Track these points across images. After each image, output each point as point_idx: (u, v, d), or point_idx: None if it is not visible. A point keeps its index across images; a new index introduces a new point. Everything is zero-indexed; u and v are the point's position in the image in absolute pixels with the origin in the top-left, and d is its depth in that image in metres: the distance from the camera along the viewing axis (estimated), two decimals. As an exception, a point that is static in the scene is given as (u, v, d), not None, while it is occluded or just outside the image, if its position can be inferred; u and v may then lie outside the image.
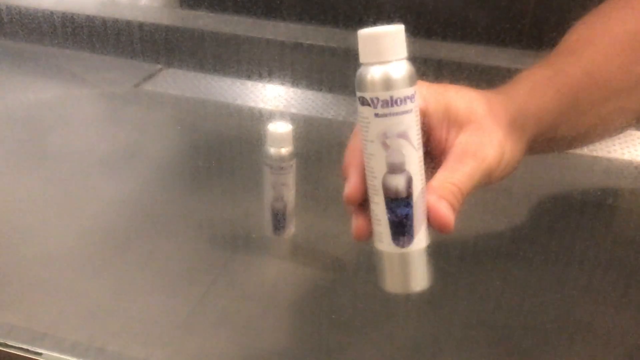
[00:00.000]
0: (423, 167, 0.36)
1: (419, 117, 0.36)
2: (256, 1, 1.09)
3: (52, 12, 1.11)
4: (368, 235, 0.39)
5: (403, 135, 0.35)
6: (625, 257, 0.69)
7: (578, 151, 0.88)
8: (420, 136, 0.36)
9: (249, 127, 0.94)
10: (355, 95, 0.37)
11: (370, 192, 0.37)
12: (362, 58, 0.36)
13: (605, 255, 0.69)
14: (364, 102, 0.36)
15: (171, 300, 0.61)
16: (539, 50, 0.96)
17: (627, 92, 0.49)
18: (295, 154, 0.62)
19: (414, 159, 0.36)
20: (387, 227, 0.36)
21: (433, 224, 0.38)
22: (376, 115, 0.35)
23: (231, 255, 0.67)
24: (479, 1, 0.98)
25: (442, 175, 0.39)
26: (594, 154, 0.87)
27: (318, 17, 1.04)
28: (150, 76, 1.07)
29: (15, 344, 0.55)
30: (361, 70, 0.36)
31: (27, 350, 0.55)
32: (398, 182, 0.36)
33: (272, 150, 0.61)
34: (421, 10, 0.99)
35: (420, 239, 0.37)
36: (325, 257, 0.67)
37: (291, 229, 0.66)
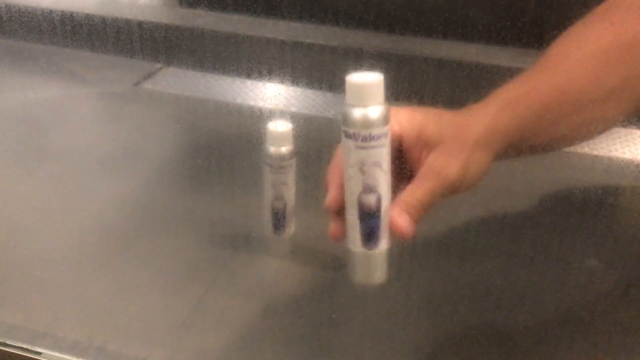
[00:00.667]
0: (390, 187, 0.45)
1: (389, 148, 0.44)
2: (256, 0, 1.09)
3: (51, 11, 1.11)
4: (342, 237, 0.47)
5: (377, 164, 0.44)
6: (625, 256, 0.69)
7: (579, 150, 0.88)
8: (389, 163, 0.44)
9: (248, 125, 0.93)
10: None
11: (347, 204, 0.45)
12: (348, 99, 0.44)
13: (606, 254, 0.69)
14: (347, 135, 0.44)
15: (171, 299, 0.61)
16: (539, 49, 0.95)
17: (598, 103, 0.52)
18: (295, 153, 0.62)
19: (384, 182, 0.44)
20: (359, 233, 0.45)
21: (394, 232, 0.46)
22: (357, 147, 0.43)
23: (231, 254, 0.67)
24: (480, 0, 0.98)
25: (410, 189, 0.46)
26: (595, 152, 0.87)
27: (318, 16, 1.04)
28: (149, 75, 1.07)
29: (15, 343, 0.55)
30: (346, 109, 0.44)
31: (27, 350, 0.55)
32: (370, 200, 0.44)
33: (272, 149, 0.61)
34: (421, 8, 0.99)
35: (384, 243, 0.46)
36: (325, 256, 0.67)
37: (291, 229, 0.66)
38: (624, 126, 0.91)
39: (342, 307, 0.61)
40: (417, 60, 0.96)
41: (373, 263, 0.46)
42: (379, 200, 0.45)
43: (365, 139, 0.43)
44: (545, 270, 0.66)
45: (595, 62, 0.52)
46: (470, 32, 0.98)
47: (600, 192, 0.79)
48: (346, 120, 0.44)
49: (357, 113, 0.43)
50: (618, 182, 0.83)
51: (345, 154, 0.44)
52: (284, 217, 0.64)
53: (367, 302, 0.62)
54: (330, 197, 0.47)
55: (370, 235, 0.45)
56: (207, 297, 0.61)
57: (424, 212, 0.46)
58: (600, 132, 0.57)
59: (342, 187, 0.46)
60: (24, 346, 0.55)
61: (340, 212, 0.47)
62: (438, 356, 0.56)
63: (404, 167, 0.48)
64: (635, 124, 0.91)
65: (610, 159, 0.86)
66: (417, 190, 0.46)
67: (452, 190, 0.48)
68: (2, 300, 0.61)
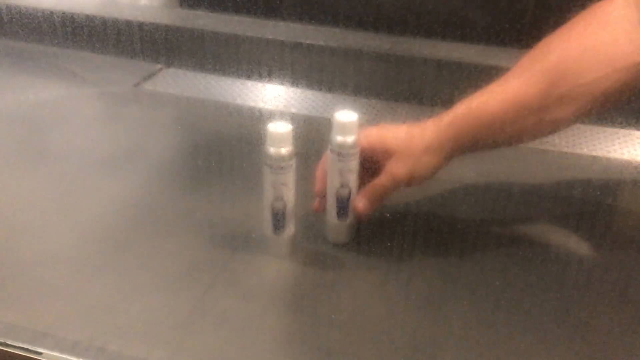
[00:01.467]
0: (357, 184, 0.66)
1: (358, 160, 0.65)
2: (256, 1, 1.09)
3: (52, 12, 1.11)
4: (322, 211, 0.68)
5: (350, 171, 0.65)
6: (624, 257, 0.69)
7: (577, 151, 0.88)
8: (357, 169, 0.65)
9: (248, 126, 0.94)
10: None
11: (329, 194, 0.67)
12: (334, 130, 0.64)
13: (605, 255, 0.69)
14: (332, 151, 0.64)
15: (171, 299, 0.61)
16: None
17: (544, 111, 0.63)
18: (295, 154, 0.62)
19: (353, 180, 0.66)
20: (335, 211, 0.67)
21: (355, 211, 0.67)
22: (338, 160, 0.64)
23: (231, 254, 0.67)
24: (479, 1, 0.98)
25: (371, 184, 0.66)
26: (594, 153, 0.88)
27: (318, 17, 1.05)
28: (150, 76, 1.07)
29: (16, 343, 0.55)
30: (332, 135, 0.64)
31: (28, 350, 0.55)
32: (344, 192, 0.66)
33: (272, 150, 0.61)
34: (421, 10, 0.99)
35: (350, 217, 0.67)
36: (325, 257, 0.67)
37: (291, 229, 0.66)
38: (622, 127, 0.91)
39: (342, 307, 0.61)
40: (416, 61, 0.97)
41: (343, 229, 0.68)
42: (349, 193, 0.66)
43: (344, 155, 0.64)
44: (544, 270, 0.66)
45: (544, 76, 0.63)
46: (470, 33, 0.98)
47: (598, 193, 0.80)
48: (332, 143, 0.64)
49: (339, 139, 0.63)
50: (616, 183, 0.84)
51: (330, 163, 0.65)
52: (284, 218, 0.64)
53: (367, 302, 0.62)
54: (318, 186, 0.68)
55: (342, 213, 0.67)
56: (207, 297, 0.61)
57: (380, 199, 0.66)
58: (551, 132, 0.70)
59: (325, 180, 0.66)
60: (25, 346, 0.55)
61: (323, 196, 0.68)
62: (438, 356, 0.56)
63: (375, 169, 0.67)
64: (634, 126, 0.91)
65: (608, 159, 0.86)
66: (376, 184, 0.66)
67: (404, 184, 0.66)
68: (2, 300, 0.61)
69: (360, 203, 0.66)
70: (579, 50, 0.63)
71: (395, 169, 0.65)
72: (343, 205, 0.66)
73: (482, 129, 0.64)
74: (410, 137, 0.65)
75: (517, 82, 0.64)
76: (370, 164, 0.66)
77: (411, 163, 0.65)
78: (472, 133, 0.64)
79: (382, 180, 0.66)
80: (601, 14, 0.63)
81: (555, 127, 0.67)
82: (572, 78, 0.62)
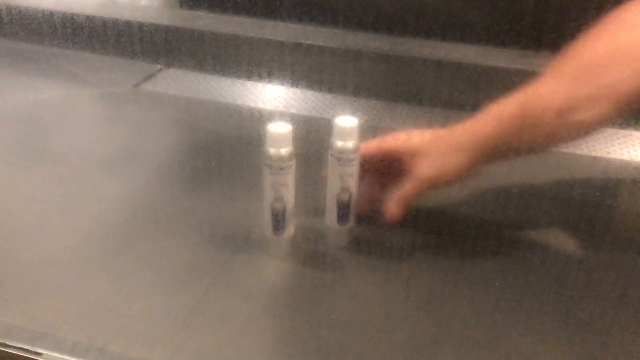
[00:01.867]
0: (357, 187, 0.66)
1: (358, 165, 0.65)
2: (256, 1, 1.09)
3: (52, 13, 1.11)
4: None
5: (351, 174, 0.65)
6: (624, 257, 0.69)
7: (577, 151, 0.88)
8: (357, 171, 0.65)
9: (248, 127, 0.94)
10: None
11: (329, 197, 0.66)
12: (334, 135, 0.63)
13: (605, 255, 0.69)
14: (333, 156, 0.64)
15: (171, 300, 0.61)
16: (538, 51, 0.96)
17: (569, 113, 0.61)
18: (295, 154, 0.62)
19: (354, 184, 0.65)
20: (335, 215, 0.67)
21: (387, 218, 0.67)
22: (339, 164, 0.64)
23: (231, 255, 0.67)
24: (479, 1, 0.98)
25: (400, 188, 0.66)
26: (593, 154, 0.88)
27: (317, 18, 1.05)
28: (150, 76, 1.07)
29: (16, 344, 0.55)
30: (332, 140, 0.64)
31: (28, 350, 0.55)
32: (344, 196, 0.66)
33: (272, 151, 0.62)
34: (420, 10, 1.00)
35: (351, 222, 0.68)
36: (325, 257, 0.67)
37: (291, 229, 0.66)
38: (622, 127, 0.91)
39: (342, 308, 0.61)
40: (416, 61, 0.97)
41: (343, 234, 0.68)
42: (350, 196, 0.66)
43: (345, 160, 0.64)
44: (544, 270, 0.66)
45: (572, 75, 0.63)
46: (469, 34, 0.98)
47: (598, 193, 0.80)
48: (332, 147, 0.64)
49: (339, 144, 0.63)
50: (616, 183, 0.84)
51: (332, 167, 0.65)
52: (284, 218, 0.64)
53: (367, 302, 0.62)
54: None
55: (342, 218, 0.67)
56: (207, 298, 0.61)
57: (409, 203, 0.66)
58: (577, 137, 0.66)
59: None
60: (25, 347, 0.55)
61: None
62: (438, 356, 0.56)
63: (401, 172, 0.66)
64: (633, 126, 0.91)
65: (608, 160, 0.87)
66: (403, 189, 0.66)
67: (431, 185, 0.66)
68: (2, 300, 0.61)
69: (389, 210, 0.66)
70: (606, 50, 0.63)
71: (421, 169, 0.65)
72: (344, 210, 0.66)
73: (507, 131, 0.63)
74: (437, 137, 0.66)
75: (544, 84, 0.64)
76: (397, 168, 0.67)
77: (437, 163, 0.65)
78: (497, 136, 0.63)
79: (409, 184, 0.65)
80: (630, 14, 0.63)
81: (581, 131, 0.65)
82: (598, 78, 0.61)
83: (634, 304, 0.62)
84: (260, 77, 1.04)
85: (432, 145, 0.66)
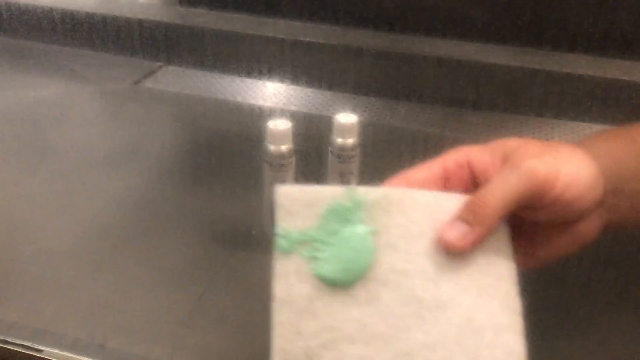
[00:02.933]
0: (356, 182, 0.65)
1: (358, 162, 0.65)
2: (256, -2, 1.09)
3: (51, 9, 1.11)
4: None
5: (351, 171, 0.65)
6: (624, 257, 0.69)
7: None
8: (358, 169, 0.65)
9: (248, 124, 0.94)
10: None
11: None
12: (334, 132, 0.63)
13: (605, 255, 0.69)
14: (332, 153, 0.64)
15: (172, 297, 0.61)
16: (538, 48, 0.96)
17: None
18: (295, 151, 0.62)
19: (353, 181, 0.65)
20: None
21: (444, 247, 0.39)
22: (339, 162, 0.64)
23: (231, 252, 0.67)
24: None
25: (481, 191, 0.38)
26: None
27: (318, 15, 1.04)
28: (150, 73, 1.07)
29: (16, 340, 0.55)
30: (332, 137, 0.64)
31: (28, 347, 0.55)
32: None
33: (272, 148, 0.62)
34: (421, 7, 0.99)
35: None
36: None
37: (291, 226, 0.66)
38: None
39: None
40: (416, 59, 0.97)
41: None
42: None
43: (343, 157, 0.64)
44: (544, 269, 0.66)
45: None
46: (469, 31, 0.98)
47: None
48: (332, 145, 0.64)
49: (339, 141, 0.63)
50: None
51: (332, 164, 0.65)
52: (284, 215, 0.64)
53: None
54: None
55: None
56: (207, 295, 0.61)
57: (491, 215, 0.37)
58: None
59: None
60: (25, 344, 0.55)
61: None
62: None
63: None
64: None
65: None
66: (481, 190, 0.38)
67: (536, 190, 0.38)
68: (3, 297, 0.61)
69: (449, 232, 0.40)
70: None
71: (524, 162, 0.39)
72: None
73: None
74: (545, 142, 0.43)
75: None
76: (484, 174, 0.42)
77: (552, 159, 0.40)
78: (632, 163, 0.44)
79: (504, 181, 0.40)
80: None
81: None
82: None
83: (634, 303, 0.62)
84: (260, 74, 1.04)
85: (535, 142, 0.41)
